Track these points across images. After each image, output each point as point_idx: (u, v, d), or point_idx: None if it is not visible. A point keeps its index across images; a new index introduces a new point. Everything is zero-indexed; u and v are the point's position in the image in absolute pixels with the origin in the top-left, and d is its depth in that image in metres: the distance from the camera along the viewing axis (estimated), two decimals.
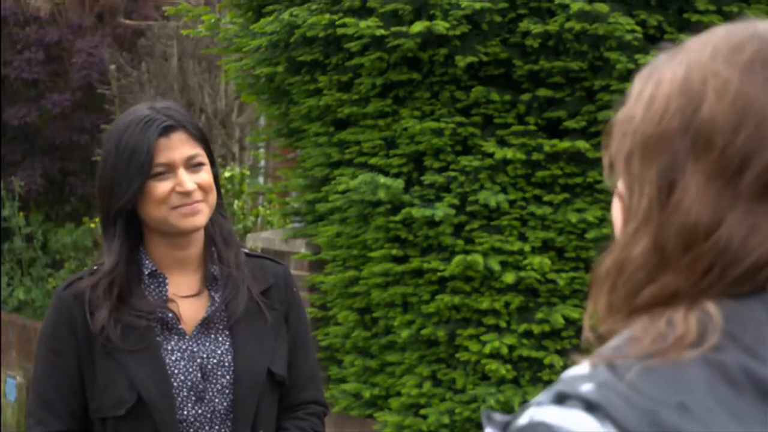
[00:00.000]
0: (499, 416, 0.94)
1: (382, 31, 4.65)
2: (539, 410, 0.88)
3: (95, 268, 2.25)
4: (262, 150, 9.24)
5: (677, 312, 0.90)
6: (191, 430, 2.21)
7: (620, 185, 0.98)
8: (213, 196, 2.24)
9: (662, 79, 0.95)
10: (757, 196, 0.89)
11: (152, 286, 2.25)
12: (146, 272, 2.24)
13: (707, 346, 0.87)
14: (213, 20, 5.71)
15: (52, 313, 2.25)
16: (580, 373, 0.90)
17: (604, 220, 4.65)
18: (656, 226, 0.92)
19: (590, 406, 0.86)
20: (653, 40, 4.62)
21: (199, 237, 2.28)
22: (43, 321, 2.31)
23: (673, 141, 0.92)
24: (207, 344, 2.24)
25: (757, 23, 0.96)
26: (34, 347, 8.84)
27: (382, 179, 4.70)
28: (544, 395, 0.90)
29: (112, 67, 10.28)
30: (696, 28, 4.82)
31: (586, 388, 0.87)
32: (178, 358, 2.21)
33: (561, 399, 0.88)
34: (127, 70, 10.33)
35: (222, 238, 2.30)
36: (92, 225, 10.12)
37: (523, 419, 0.89)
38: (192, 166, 2.20)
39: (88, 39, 10.82)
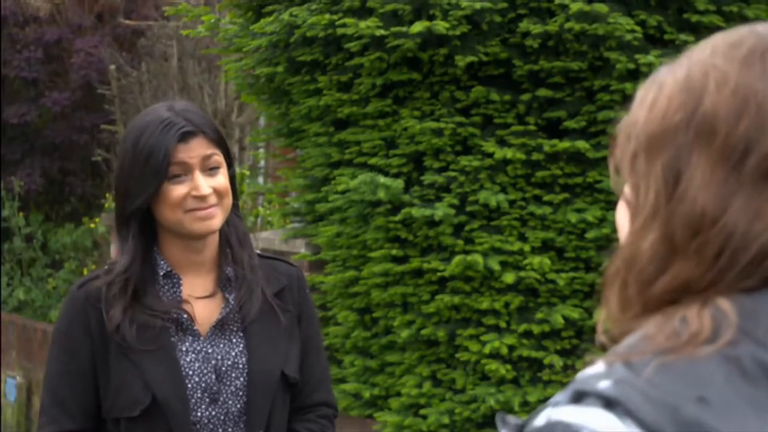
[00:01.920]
0: (513, 419, 0.94)
1: (382, 31, 4.65)
2: (556, 410, 0.88)
3: (107, 267, 2.25)
4: (262, 150, 9.23)
5: (690, 310, 0.90)
6: (204, 431, 2.20)
7: (627, 189, 0.98)
8: (228, 200, 2.23)
9: (664, 83, 0.97)
10: (760, 182, 0.90)
11: (167, 287, 2.25)
12: (161, 273, 2.24)
13: (722, 342, 0.87)
14: (213, 20, 5.71)
15: (65, 311, 2.24)
16: (596, 371, 0.89)
17: (604, 220, 4.65)
18: (664, 218, 0.92)
19: (609, 403, 0.85)
20: (653, 40, 4.63)
21: (214, 238, 2.27)
22: (57, 320, 2.31)
23: (677, 135, 0.93)
24: (221, 346, 2.24)
25: (756, 24, 0.98)
26: (34, 347, 8.84)
27: (381, 179, 4.70)
28: (561, 395, 0.89)
29: (112, 67, 10.27)
30: (696, 28, 4.83)
31: (604, 385, 0.87)
32: (193, 360, 2.21)
33: (578, 397, 0.87)
34: (127, 70, 10.32)
35: (237, 240, 2.30)
36: (92, 225, 10.11)
37: (540, 420, 0.89)
38: (208, 169, 2.20)
39: (88, 39, 10.81)
